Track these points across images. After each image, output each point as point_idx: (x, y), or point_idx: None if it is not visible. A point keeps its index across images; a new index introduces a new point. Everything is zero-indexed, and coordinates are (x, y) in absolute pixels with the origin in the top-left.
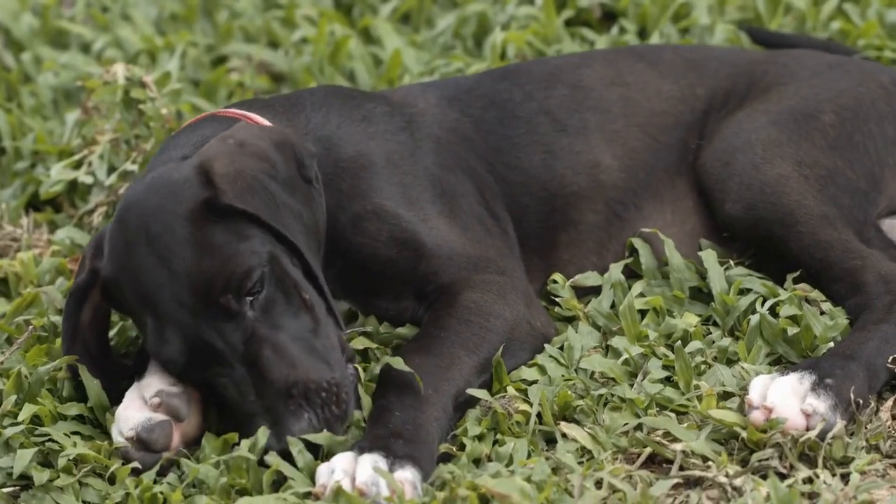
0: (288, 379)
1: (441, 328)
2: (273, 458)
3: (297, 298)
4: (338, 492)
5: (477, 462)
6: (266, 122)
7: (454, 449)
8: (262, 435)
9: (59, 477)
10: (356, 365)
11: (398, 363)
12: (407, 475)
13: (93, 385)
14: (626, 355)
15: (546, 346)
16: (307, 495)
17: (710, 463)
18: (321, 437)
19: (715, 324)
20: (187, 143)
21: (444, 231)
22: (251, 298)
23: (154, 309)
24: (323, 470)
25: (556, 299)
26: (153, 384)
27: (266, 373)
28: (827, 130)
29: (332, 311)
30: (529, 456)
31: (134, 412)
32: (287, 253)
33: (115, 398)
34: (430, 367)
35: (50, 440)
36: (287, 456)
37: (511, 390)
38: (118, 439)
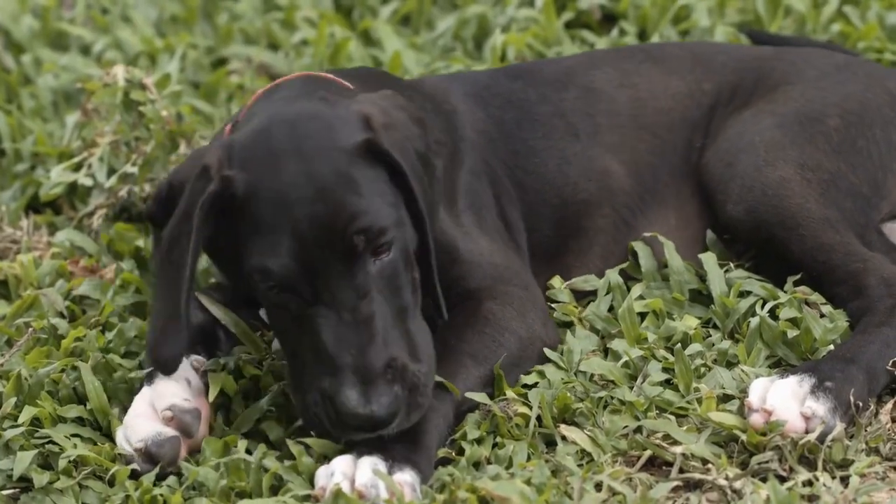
0: (392, 353)
1: (454, 336)
2: (272, 462)
3: (410, 275)
4: (337, 494)
5: (476, 465)
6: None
7: (453, 453)
8: (351, 390)
9: (58, 479)
10: None
11: None
12: (406, 478)
13: (93, 386)
14: (625, 358)
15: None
16: (307, 498)
17: (709, 465)
18: (318, 444)
19: (715, 326)
20: (309, 91)
21: (475, 238)
22: (376, 258)
23: (281, 221)
24: (322, 472)
25: (554, 305)
26: (166, 396)
27: (375, 337)
28: (831, 134)
29: (438, 297)
30: (529, 459)
31: (144, 422)
32: (410, 225)
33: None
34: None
35: (50, 442)
36: (366, 420)
37: (510, 394)
38: (124, 447)
